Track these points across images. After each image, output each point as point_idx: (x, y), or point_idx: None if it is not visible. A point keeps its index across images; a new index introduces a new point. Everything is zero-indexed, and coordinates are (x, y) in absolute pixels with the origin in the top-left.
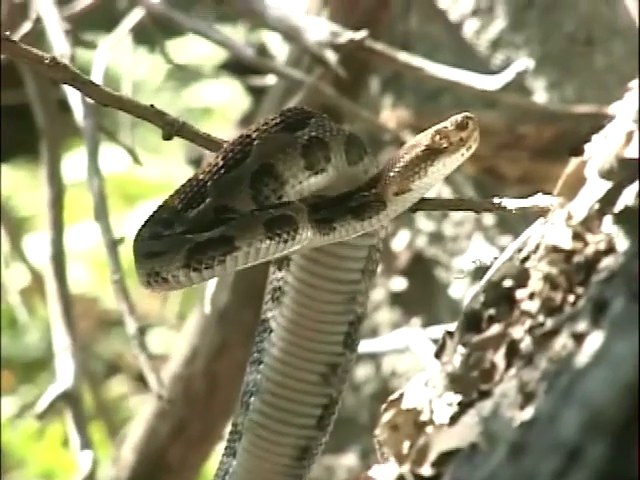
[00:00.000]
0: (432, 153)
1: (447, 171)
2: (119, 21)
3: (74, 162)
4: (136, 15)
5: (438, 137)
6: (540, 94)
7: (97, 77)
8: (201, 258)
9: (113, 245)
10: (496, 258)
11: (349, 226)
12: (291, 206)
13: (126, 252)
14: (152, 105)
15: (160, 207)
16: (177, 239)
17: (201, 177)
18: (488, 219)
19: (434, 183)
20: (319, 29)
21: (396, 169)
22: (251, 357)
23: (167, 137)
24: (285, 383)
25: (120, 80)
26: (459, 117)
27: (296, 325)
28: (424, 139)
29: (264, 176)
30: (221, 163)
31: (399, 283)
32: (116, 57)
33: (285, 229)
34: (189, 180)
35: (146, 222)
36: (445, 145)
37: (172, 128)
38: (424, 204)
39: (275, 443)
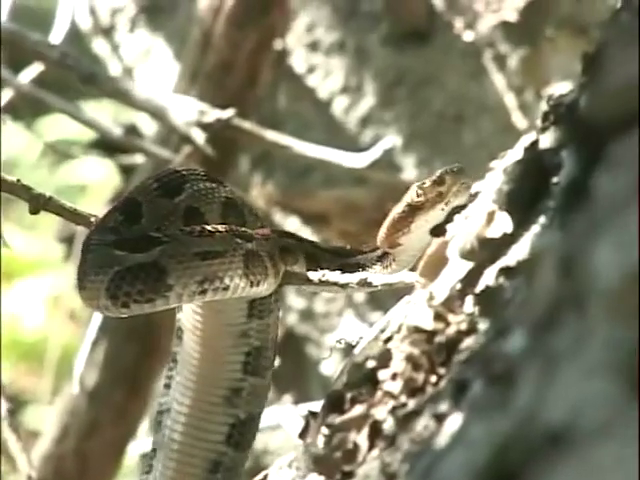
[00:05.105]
0: (412, 209)
1: (431, 225)
2: None
3: None
4: (6, 95)
5: (416, 194)
6: (410, 170)
7: None
8: (256, 270)
9: None
10: (361, 338)
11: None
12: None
13: None
14: (19, 180)
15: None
16: (229, 237)
17: (111, 225)
18: (359, 296)
19: (424, 236)
20: (186, 108)
21: (384, 227)
22: (163, 382)
23: (34, 211)
24: (190, 404)
25: None
26: (438, 172)
27: (192, 358)
28: (406, 196)
29: None
30: (123, 217)
31: None
32: None
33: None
34: (96, 228)
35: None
36: (422, 201)
37: (38, 202)
38: (293, 279)
39: (188, 455)
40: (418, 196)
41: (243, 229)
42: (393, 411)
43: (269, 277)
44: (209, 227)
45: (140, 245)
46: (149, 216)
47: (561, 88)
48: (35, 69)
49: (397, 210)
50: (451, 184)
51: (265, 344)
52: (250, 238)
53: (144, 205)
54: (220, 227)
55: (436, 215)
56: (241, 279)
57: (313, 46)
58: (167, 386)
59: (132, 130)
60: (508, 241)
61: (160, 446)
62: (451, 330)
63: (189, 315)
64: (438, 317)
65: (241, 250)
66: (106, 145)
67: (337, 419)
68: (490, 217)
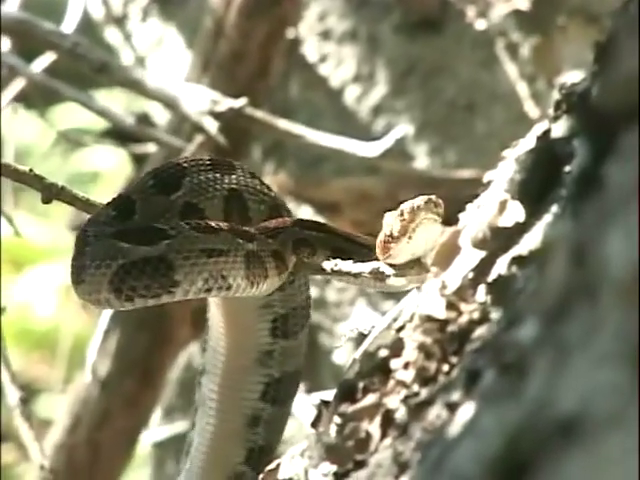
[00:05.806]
0: (388, 238)
1: (407, 254)
2: (0, 90)
3: None
4: (18, 84)
5: (387, 224)
6: (422, 159)
7: None
8: (256, 272)
9: None
10: (373, 327)
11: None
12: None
13: (7, 320)
14: (31, 169)
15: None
16: (231, 237)
17: (103, 220)
18: None
19: (411, 259)
20: (199, 97)
21: (377, 246)
22: (201, 345)
23: (46, 201)
24: (222, 367)
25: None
26: (403, 205)
27: (219, 326)
28: (384, 223)
29: None
30: (115, 213)
31: None
32: (5, 122)
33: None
34: (89, 222)
35: (122, 230)
36: (392, 231)
37: (51, 192)
38: (305, 268)
39: (225, 412)
40: (388, 226)
41: (244, 228)
42: (405, 400)
43: (269, 278)
44: (212, 223)
45: (145, 237)
46: (142, 213)
47: (573, 77)
48: (47, 58)
49: (380, 236)
50: (410, 220)
51: (292, 311)
52: (251, 238)
53: (138, 202)
54: (222, 224)
55: (404, 249)
56: (242, 280)
57: (325, 35)
58: (203, 349)
59: (144, 119)
60: (520, 230)
61: (200, 404)
62: (463, 319)
63: None
64: (450, 306)
65: (242, 251)
66: (118, 134)
67: (349, 408)
68: (502, 206)
